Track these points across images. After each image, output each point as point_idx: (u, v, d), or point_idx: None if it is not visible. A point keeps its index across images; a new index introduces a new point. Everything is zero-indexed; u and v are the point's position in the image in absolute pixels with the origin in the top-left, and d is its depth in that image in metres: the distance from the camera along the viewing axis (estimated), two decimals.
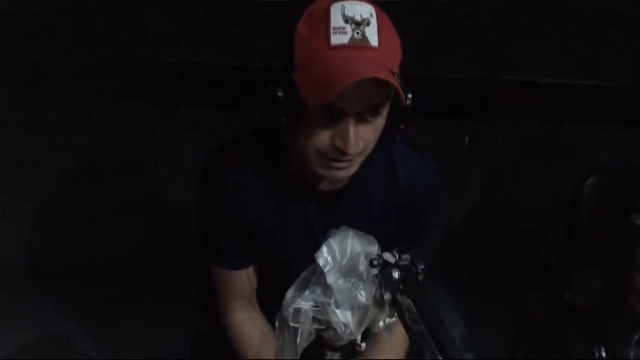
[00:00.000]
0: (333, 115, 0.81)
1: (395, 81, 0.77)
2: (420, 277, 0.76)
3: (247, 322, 1.09)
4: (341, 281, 0.86)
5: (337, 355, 0.97)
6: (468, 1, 1.79)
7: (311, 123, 0.82)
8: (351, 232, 0.90)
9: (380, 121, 0.85)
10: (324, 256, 0.87)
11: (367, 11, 0.79)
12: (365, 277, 0.85)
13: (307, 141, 0.85)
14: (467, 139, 2.10)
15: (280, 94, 0.81)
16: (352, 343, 0.94)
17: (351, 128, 0.81)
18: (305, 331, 0.88)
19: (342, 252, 0.87)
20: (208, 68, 1.84)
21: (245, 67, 1.82)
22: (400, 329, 0.75)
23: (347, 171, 0.88)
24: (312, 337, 0.90)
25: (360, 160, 0.89)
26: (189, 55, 1.82)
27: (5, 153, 1.99)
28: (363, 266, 0.86)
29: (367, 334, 0.95)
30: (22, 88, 1.86)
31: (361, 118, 0.82)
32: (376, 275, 0.78)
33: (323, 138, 0.83)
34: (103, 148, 2.00)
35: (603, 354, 1.40)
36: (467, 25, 1.84)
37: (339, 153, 0.84)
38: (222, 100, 1.90)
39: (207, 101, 1.92)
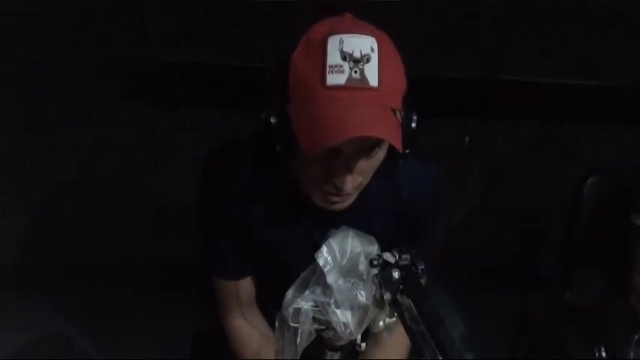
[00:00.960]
0: (330, 153, 0.78)
1: (391, 131, 0.74)
2: (423, 280, 0.76)
3: (247, 326, 1.09)
4: (341, 281, 0.86)
5: (337, 355, 0.97)
6: (468, 1, 1.79)
7: (306, 156, 0.79)
8: (351, 232, 0.90)
9: (380, 154, 0.83)
10: (324, 256, 0.87)
11: (367, 45, 0.74)
12: (365, 277, 0.85)
13: (303, 174, 0.84)
14: (467, 139, 2.09)
15: (273, 120, 0.79)
16: (352, 343, 0.94)
17: (348, 167, 0.79)
18: (305, 331, 0.88)
19: (342, 252, 0.87)
20: (208, 68, 1.83)
21: (245, 67, 1.82)
22: (400, 329, 0.75)
23: (344, 204, 0.88)
24: (312, 337, 0.90)
25: (357, 192, 0.88)
26: (189, 55, 1.82)
27: (5, 153, 1.98)
28: (363, 266, 0.86)
29: (367, 334, 0.95)
30: (22, 88, 1.86)
31: (360, 153, 0.80)
32: (376, 275, 0.78)
33: (319, 174, 0.82)
34: (103, 148, 2.00)
35: (603, 354, 1.40)
36: (467, 25, 1.84)
37: (335, 188, 0.82)
38: (222, 100, 1.90)
39: (207, 101, 1.91)
